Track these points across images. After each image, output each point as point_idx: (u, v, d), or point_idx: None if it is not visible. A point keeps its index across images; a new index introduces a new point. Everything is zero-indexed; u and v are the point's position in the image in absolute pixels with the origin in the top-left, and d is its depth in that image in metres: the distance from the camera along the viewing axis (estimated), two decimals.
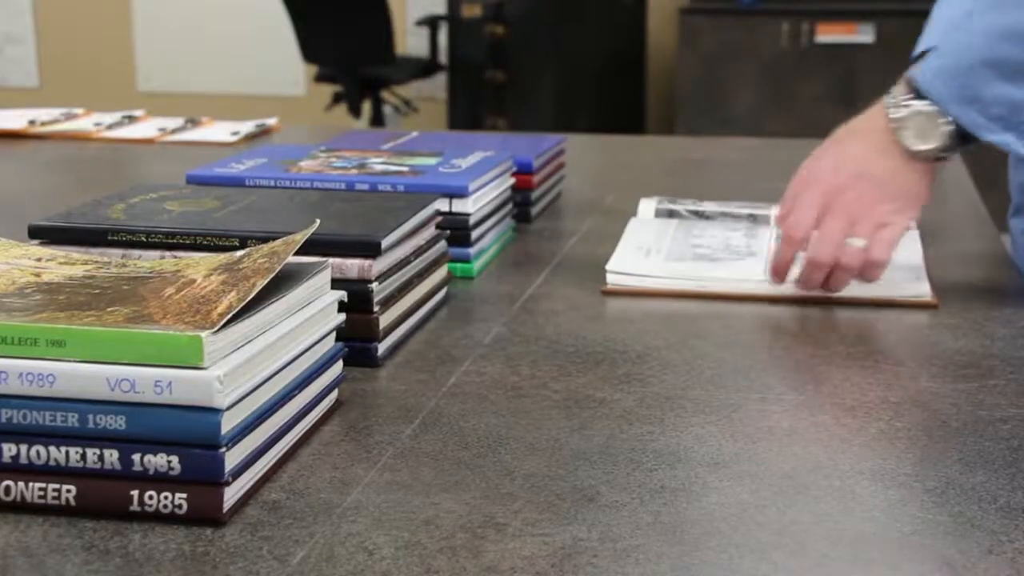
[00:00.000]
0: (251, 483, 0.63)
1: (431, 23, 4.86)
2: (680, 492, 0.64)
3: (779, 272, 0.97)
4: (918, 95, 0.95)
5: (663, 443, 0.71)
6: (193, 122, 1.83)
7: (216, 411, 0.59)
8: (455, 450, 0.70)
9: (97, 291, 0.68)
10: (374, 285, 0.82)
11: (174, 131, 1.77)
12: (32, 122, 1.78)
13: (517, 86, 4.58)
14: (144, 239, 0.84)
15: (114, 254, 0.84)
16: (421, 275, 0.91)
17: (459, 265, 1.03)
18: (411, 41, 5.23)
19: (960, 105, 0.93)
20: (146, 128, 1.79)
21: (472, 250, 1.04)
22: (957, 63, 0.93)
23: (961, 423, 0.73)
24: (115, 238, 0.85)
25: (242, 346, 0.63)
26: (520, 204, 1.21)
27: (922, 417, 0.74)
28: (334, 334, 0.75)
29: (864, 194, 0.95)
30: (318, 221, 0.74)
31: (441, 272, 0.96)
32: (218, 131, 1.77)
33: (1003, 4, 0.92)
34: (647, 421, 0.74)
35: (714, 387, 0.79)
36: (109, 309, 0.64)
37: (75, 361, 0.60)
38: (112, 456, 0.60)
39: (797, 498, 0.64)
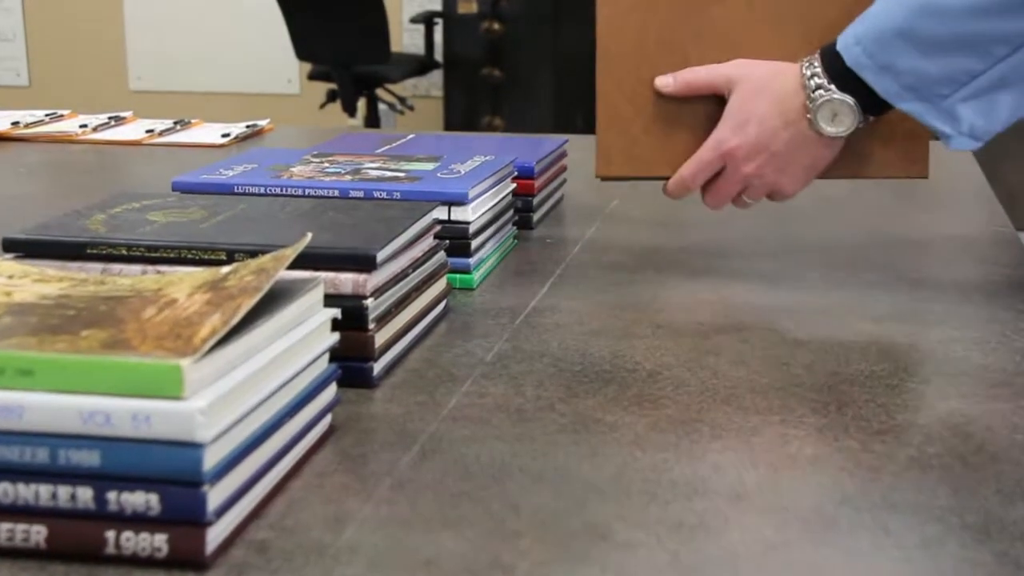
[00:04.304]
0: (237, 522, 0.59)
1: (426, 20, 4.81)
2: (699, 529, 0.60)
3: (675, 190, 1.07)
4: (833, 73, 0.97)
5: (679, 472, 0.66)
6: (182, 123, 1.78)
7: (198, 446, 0.55)
8: (456, 481, 0.65)
9: (72, 312, 0.63)
10: (369, 301, 0.78)
11: (162, 133, 1.72)
12: (16, 124, 1.73)
13: (514, 84, 4.53)
14: (125, 252, 0.80)
15: (93, 268, 0.80)
16: (419, 288, 0.86)
17: (458, 276, 0.98)
18: (406, 38, 5.18)
19: (875, 72, 0.95)
20: (133, 130, 1.74)
21: (472, 260, 0.99)
22: (876, 30, 0.95)
23: (997, 448, 0.69)
24: (94, 251, 0.80)
25: (227, 374, 0.58)
26: (521, 210, 1.17)
27: (955, 442, 0.69)
28: (327, 355, 0.70)
29: (764, 166, 1.02)
30: (309, 235, 0.69)
31: (440, 284, 0.91)
32: (208, 133, 1.72)
33: None
34: (661, 448, 0.69)
35: (731, 409, 0.75)
36: (83, 333, 0.59)
37: (45, 392, 0.55)
38: (86, 494, 0.55)
39: (826, 535, 0.59)
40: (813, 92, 0.98)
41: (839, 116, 0.98)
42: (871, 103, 0.98)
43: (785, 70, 1.01)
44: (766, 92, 1.01)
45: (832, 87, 0.98)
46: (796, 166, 1.02)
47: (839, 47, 0.97)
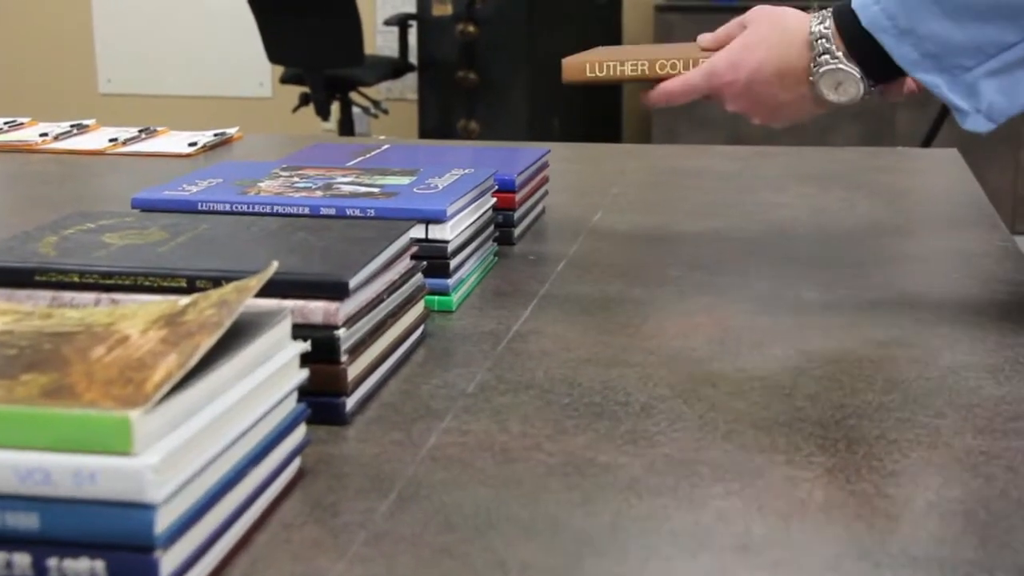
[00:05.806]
0: None
1: (401, 22, 4.74)
2: None
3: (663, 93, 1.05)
4: (845, 32, 0.92)
5: (679, 522, 0.60)
6: (148, 132, 1.72)
7: (149, 507, 0.49)
8: (437, 533, 0.59)
9: (13, 351, 0.57)
10: (342, 331, 0.72)
11: (127, 142, 1.65)
12: None
13: (489, 87, 4.47)
14: (77, 280, 0.74)
15: (43, 297, 0.74)
16: (395, 314, 0.81)
17: (436, 298, 0.93)
18: (380, 41, 5.12)
19: (894, 36, 0.89)
20: (96, 139, 1.67)
21: (451, 281, 0.94)
22: None
23: (1023, 492, 0.63)
24: (43, 279, 0.74)
25: (183, 423, 0.52)
26: (502, 225, 1.11)
27: (976, 485, 0.64)
28: (296, 393, 0.64)
29: (750, 109, 1.01)
30: (275, 264, 0.63)
31: (417, 309, 0.85)
32: (174, 142, 1.66)
33: None
34: (659, 492, 0.64)
35: (732, 446, 0.69)
36: (23, 378, 0.53)
37: None
38: (23, 561, 0.50)
39: None
40: (819, 56, 0.94)
41: (843, 86, 0.94)
42: (882, 69, 0.92)
43: (796, 20, 0.97)
44: (771, 39, 0.98)
45: (839, 55, 0.93)
46: (783, 116, 1.01)
47: (855, 4, 0.91)
